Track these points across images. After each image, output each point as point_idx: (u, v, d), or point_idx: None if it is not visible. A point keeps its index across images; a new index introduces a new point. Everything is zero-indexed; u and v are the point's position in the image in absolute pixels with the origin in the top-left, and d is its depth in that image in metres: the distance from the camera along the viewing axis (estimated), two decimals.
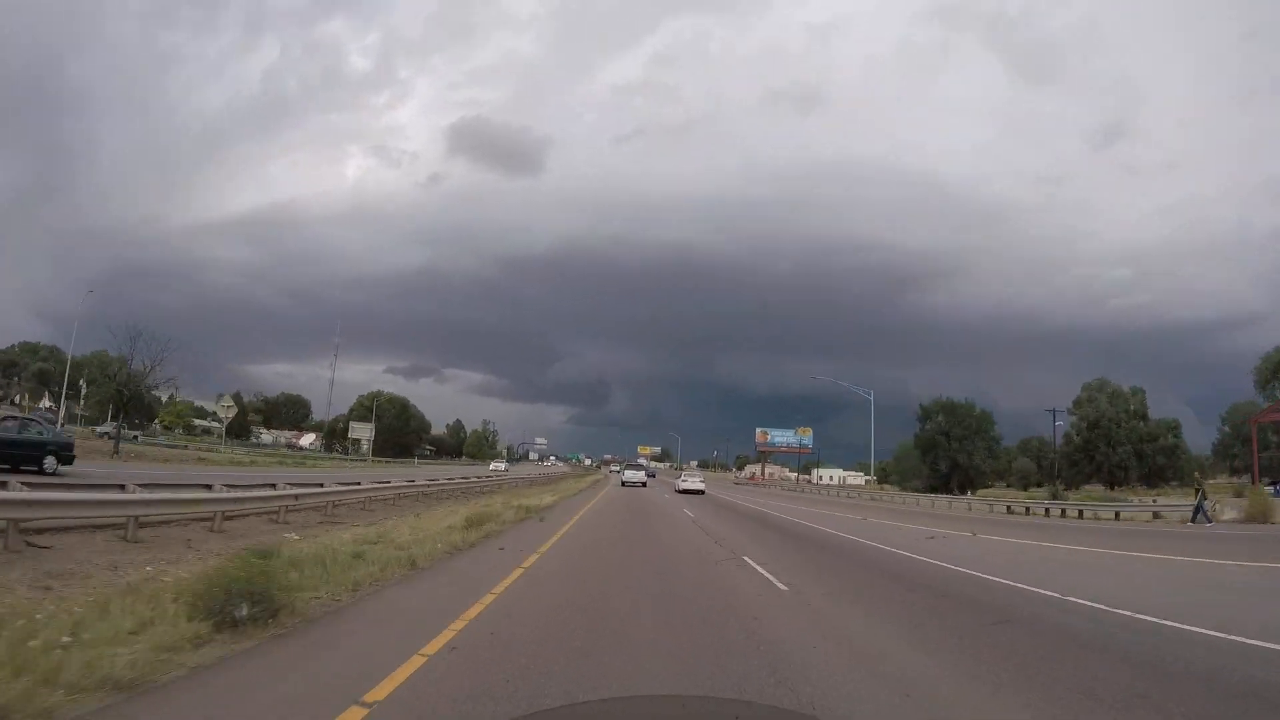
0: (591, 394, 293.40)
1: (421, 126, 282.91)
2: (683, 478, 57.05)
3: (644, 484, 57.48)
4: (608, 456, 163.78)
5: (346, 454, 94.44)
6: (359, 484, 21.54)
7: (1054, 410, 64.50)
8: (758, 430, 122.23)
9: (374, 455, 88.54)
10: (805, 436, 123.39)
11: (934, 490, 75.02)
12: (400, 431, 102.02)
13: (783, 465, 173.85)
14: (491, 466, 76.76)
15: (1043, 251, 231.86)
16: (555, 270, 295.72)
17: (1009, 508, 38.91)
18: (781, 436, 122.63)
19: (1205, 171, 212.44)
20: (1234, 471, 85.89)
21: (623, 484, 56.28)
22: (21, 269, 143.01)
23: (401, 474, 38.91)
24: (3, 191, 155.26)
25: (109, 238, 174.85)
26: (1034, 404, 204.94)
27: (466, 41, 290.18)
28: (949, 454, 75.27)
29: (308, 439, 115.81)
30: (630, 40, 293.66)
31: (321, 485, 18.32)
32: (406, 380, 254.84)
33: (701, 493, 47.10)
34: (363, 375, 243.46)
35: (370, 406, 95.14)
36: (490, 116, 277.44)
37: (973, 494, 58.65)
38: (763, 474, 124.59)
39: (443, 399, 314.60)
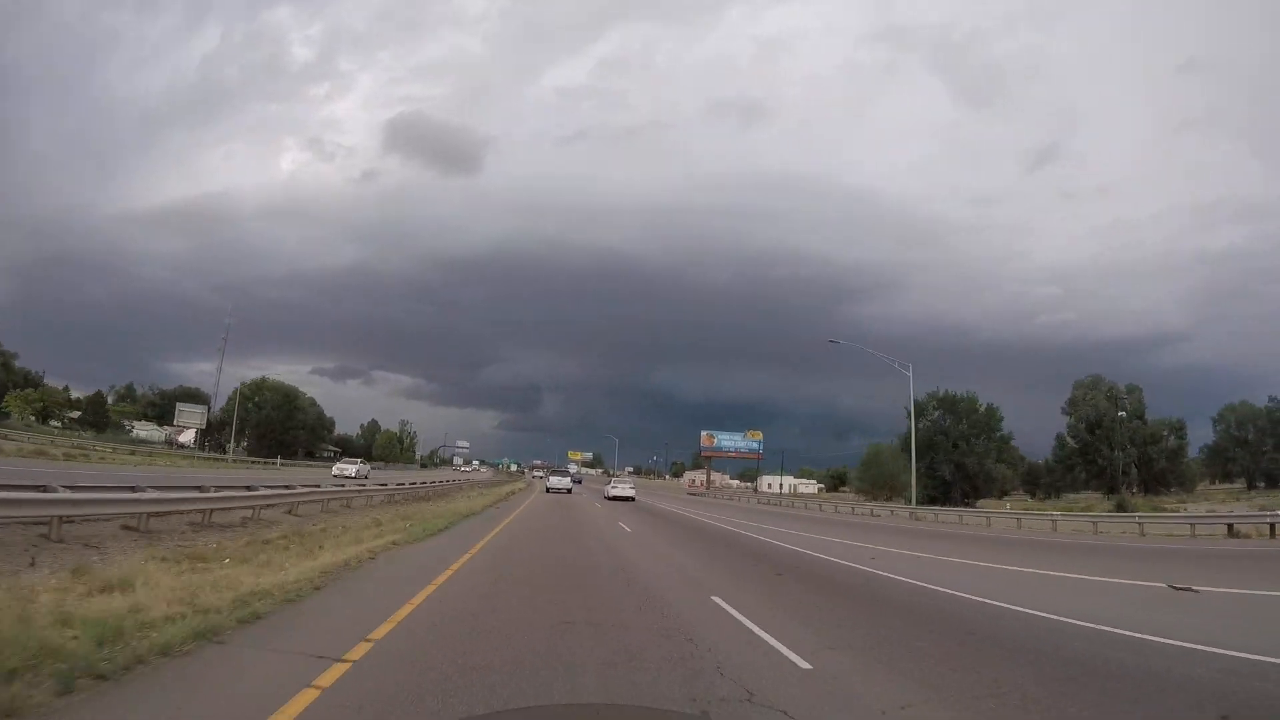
0: (523, 399, 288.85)
1: (360, 121, 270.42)
2: (612, 484, 53.91)
3: (569, 490, 55.78)
4: (537, 462, 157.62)
5: (225, 452, 78.77)
6: None
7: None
8: (703, 434, 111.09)
9: (251, 454, 73.88)
10: (755, 440, 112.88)
11: (932, 501, 64.85)
12: (284, 426, 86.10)
13: (721, 472, 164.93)
14: (336, 470, 55.20)
15: (976, 269, 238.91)
16: (489, 272, 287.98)
17: (1094, 526, 27.96)
18: (729, 440, 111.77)
19: (1137, 196, 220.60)
20: (1227, 476, 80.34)
21: (548, 490, 54.63)
22: None
23: (208, 478, 25.45)
24: None
25: (33, 225, 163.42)
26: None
27: (412, 36, 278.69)
28: (951, 457, 64.69)
29: (188, 435, 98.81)
30: (579, 45, 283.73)
31: None
32: (333, 382, 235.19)
33: (631, 499, 45.45)
34: (289, 376, 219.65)
35: (250, 396, 79.77)
36: (429, 113, 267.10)
37: (1004, 505, 47.74)
38: (707, 481, 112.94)
39: (370, 402, 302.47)
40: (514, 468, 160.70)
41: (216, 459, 64.87)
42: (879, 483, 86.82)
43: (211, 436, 79.10)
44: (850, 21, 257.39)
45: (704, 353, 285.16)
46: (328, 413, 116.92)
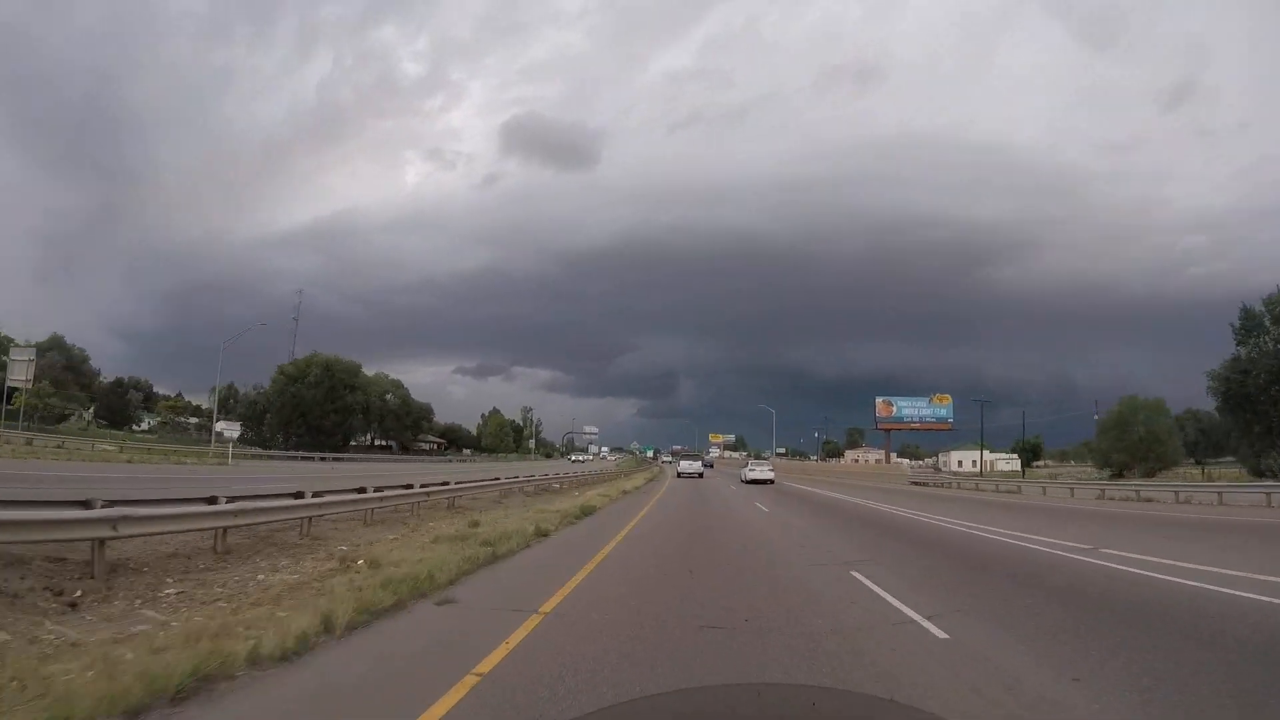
0: (659, 386, 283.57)
1: (476, 128, 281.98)
2: (750, 466, 51.15)
3: (700, 474, 56.05)
4: (677, 448, 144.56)
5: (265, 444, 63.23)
6: None
7: None
8: (879, 401, 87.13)
9: (298, 447, 58.29)
10: (943, 407, 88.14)
11: (1259, 474, 39.95)
12: (330, 409, 65.84)
13: (875, 447, 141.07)
14: None
15: (1116, 221, 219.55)
16: (615, 263, 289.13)
17: None
18: (911, 407, 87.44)
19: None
20: None
21: (679, 475, 55.21)
22: (97, 291, 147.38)
23: None
24: (72, 215, 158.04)
25: (177, 256, 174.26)
26: (1115, 382, 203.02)
27: (517, 40, 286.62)
28: None
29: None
30: (680, 27, 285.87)
31: None
32: (475, 380, 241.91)
33: (770, 482, 43.96)
34: (431, 377, 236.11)
35: (297, 377, 64.02)
36: (542, 113, 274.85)
37: None
38: (886, 458, 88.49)
39: (513, 396, 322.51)
40: (649, 454, 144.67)
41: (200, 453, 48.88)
42: (1136, 452, 60.80)
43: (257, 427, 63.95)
44: None
45: (836, 328, 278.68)
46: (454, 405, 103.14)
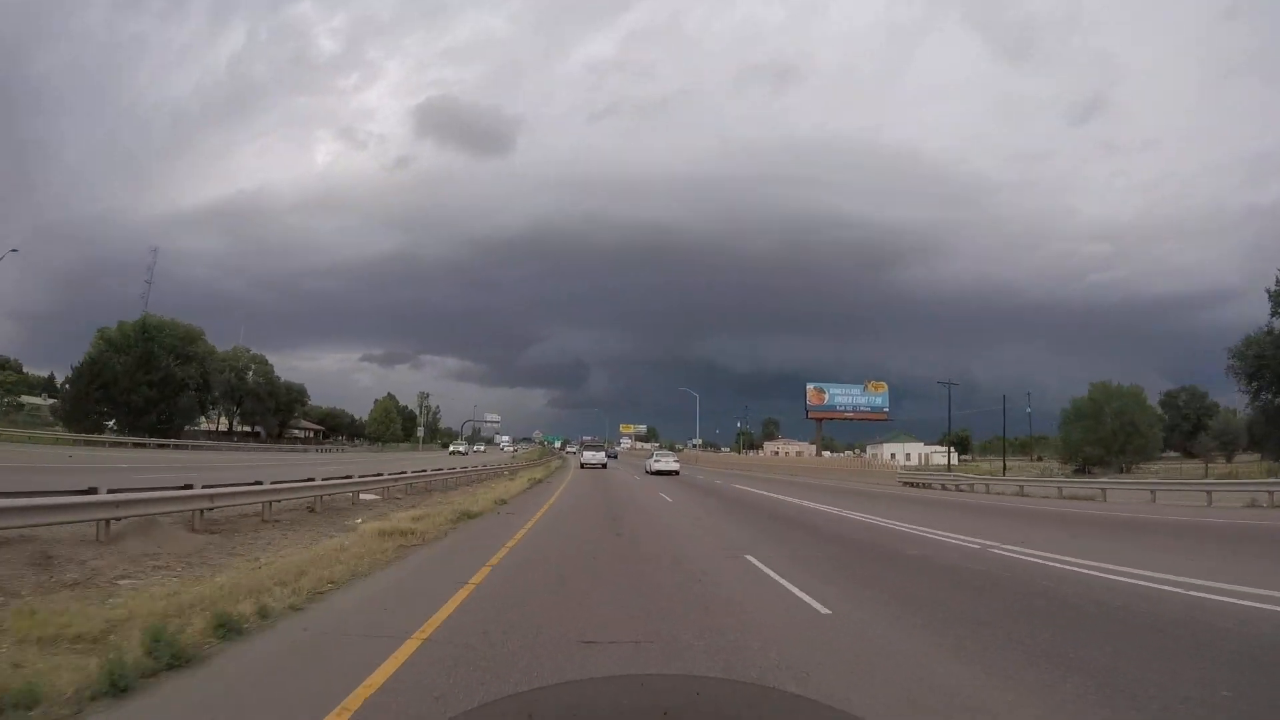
0: (571, 376, 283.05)
1: (390, 109, 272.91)
2: (654, 458, 48.97)
3: (604, 465, 54.35)
4: (586, 438, 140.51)
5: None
6: None
7: None
8: (810, 388, 79.23)
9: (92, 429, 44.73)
10: (878, 395, 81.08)
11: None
12: (142, 380, 50.31)
13: (802, 441, 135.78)
14: None
15: (1023, 228, 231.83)
16: (529, 252, 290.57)
17: None
18: (844, 395, 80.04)
19: (1183, 148, 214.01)
20: None
21: (581, 465, 54.21)
22: None
23: None
24: None
25: (74, 234, 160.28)
26: (1014, 379, 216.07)
27: (438, 21, 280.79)
28: None
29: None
30: (604, 17, 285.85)
31: None
32: (382, 368, 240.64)
33: (676, 474, 42.50)
34: (338, 364, 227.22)
35: (122, 344, 49.64)
36: (459, 96, 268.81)
37: None
38: (817, 449, 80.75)
39: (420, 385, 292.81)
40: (557, 444, 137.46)
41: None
42: (1110, 445, 54.99)
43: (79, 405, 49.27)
44: None
45: (748, 323, 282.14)
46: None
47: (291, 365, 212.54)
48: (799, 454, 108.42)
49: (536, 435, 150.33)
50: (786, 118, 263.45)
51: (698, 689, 1.85)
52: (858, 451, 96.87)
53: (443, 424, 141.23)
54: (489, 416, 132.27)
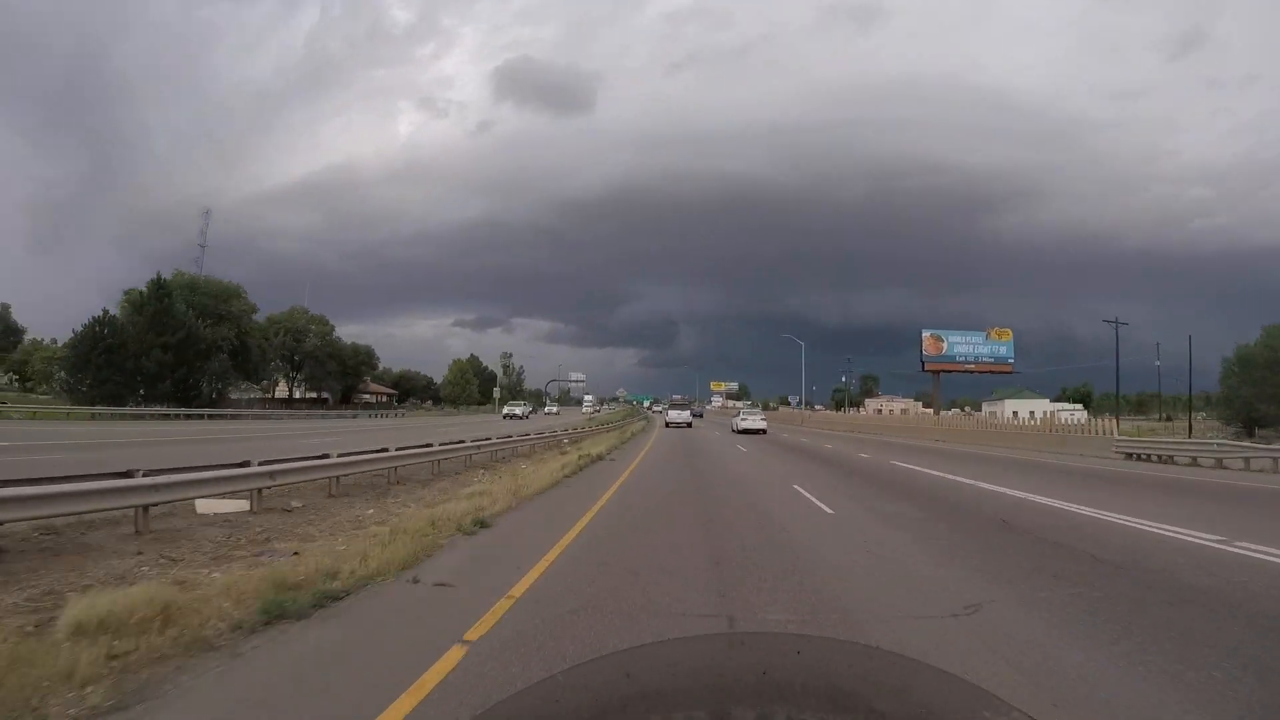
0: (660, 335, 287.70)
1: (468, 75, 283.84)
2: (741, 415, 48.72)
3: (689, 424, 54.82)
4: (676, 396, 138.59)
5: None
6: None
7: None
8: (926, 336, 69.23)
9: (107, 400, 40.02)
10: (1002, 344, 70.27)
11: None
12: (155, 344, 44.64)
13: (900, 397, 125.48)
14: None
15: (1120, 170, 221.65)
16: (613, 210, 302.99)
17: None
18: (965, 344, 69.64)
19: None
20: None
21: (667, 424, 53.88)
22: (93, 256, 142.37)
23: None
24: (65, 182, 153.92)
25: (172, 218, 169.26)
26: (1112, 332, 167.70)
27: None
28: None
29: None
30: None
31: None
32: (474, 332, 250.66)
33: (763, 432, 42.66)
34: (431, 330, 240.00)
35: (139, 302, 45.04)
36: (535, 56, 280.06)
37: None
38: (935, 406, 70.75)
39: (514, 348, 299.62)
40: (646, 403, 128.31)
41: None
42: None
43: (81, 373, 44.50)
44: None
45: (839, 275, 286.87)
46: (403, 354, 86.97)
47: (387, 333, 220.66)
48: (904, 411, 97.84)
49: (620, 394, 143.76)
50: (870, 60, 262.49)
51: (798, 647, 1.81)
52: (968, 410, 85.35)
53: (528, 385, 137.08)
54: (574, 376, 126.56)
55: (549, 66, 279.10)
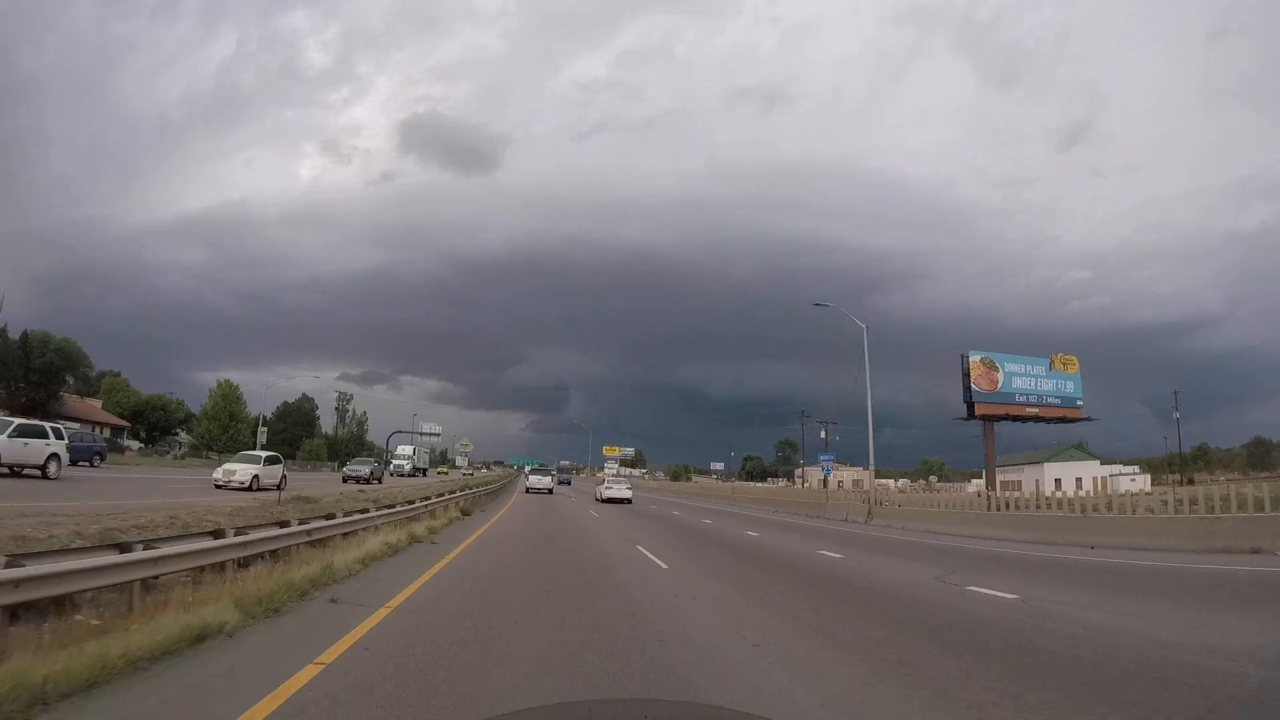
0: (551, 399, 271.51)
1: (378, 124, 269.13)
2: (606, 483, 45.89)
3: (550, 490, 52.63)
4: (565, 463, 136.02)
5: None
6: None
7: None
8: (973, 360, 43.97)
9: None
10: (1069, 377, 46.17)
11: None
12: None
13: (882, 477, 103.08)
14: None
15: (1005, 254, 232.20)
16: (511, 272, 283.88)
17: None
18: (1024, 375, 44.82)
19: (1167, 174, 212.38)
20: None
21: (527, 490, 51.61)
22: None
23: None
24: None
25: (55, 238, 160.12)
26: None
27: (430, 36, 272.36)
28: None
29: None
30: (598, 38, 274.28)
31: None
32: (361, 388, 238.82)
33: (628, 501, 39.81)
34: (313, 382, 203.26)
35: None
36: (445, 112, 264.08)
37: None
38: (990, 480, 44.47)
39: (400, 406, 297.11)
40: (527, 468, 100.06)
41: None
42: None
43: None
44: (873, 3, 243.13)
45: (731, 347, 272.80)
46: None
47: (267, 382, 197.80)
48: (855, 483, 73.87)
49: (459, 455, 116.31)
50: (775, 141, 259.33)
51: (646, 712, 1.78)
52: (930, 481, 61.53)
53: (370, 437, 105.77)
54: (427, 427, 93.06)
55: (458, 124, 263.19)
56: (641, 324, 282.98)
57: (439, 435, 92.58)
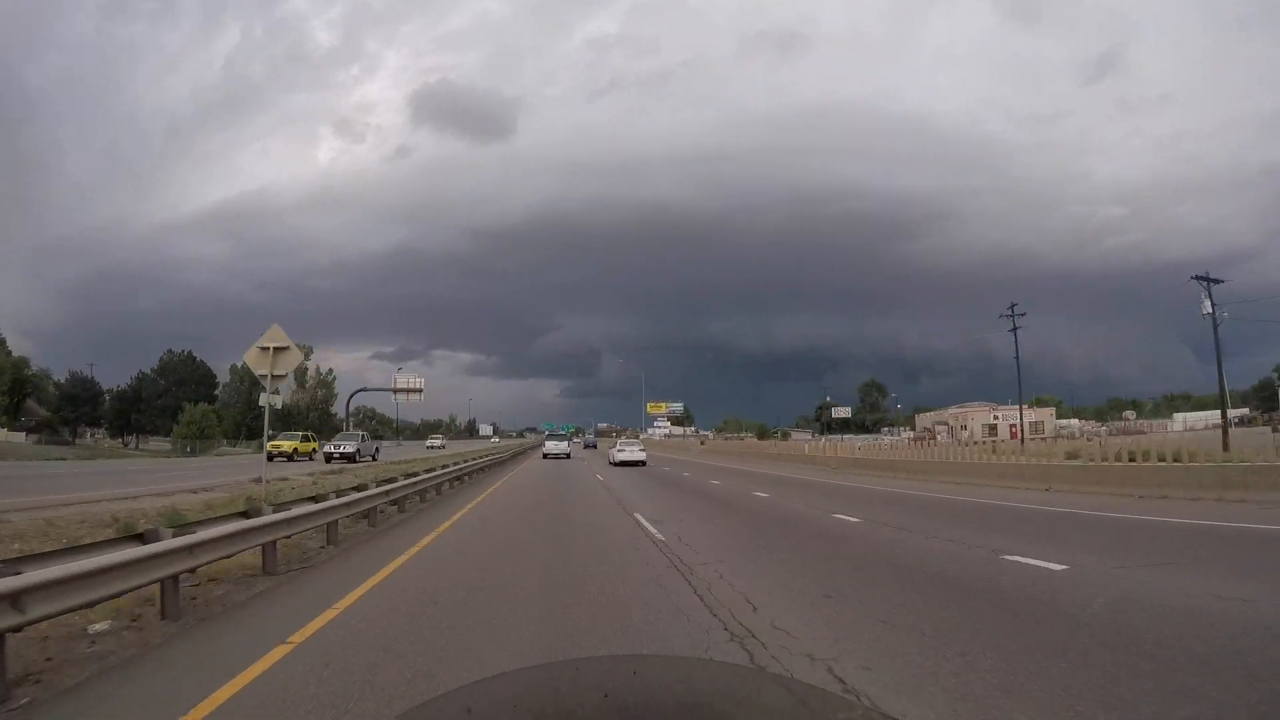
0: (583, 364, 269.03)
1: (390, 99, 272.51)
2: (617, 446, 44.13)
3: (567, 455, 49.44)
4: (603, 425, 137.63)
5: None
6: None
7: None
8: None
9: None
10: None
11: None
12: None
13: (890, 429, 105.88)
14: None
15: (1036, 192, 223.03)
16: (533, 239, 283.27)
17: None
18: None
19: (1200, 105, 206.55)
20: None
21: (544, 456, 49.36)
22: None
23: None
24: None
25: (81, 244, 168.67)
26: (1037, 350, 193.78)
27: (436, 6, 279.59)
28: None
29: None
30: None
31: None
32: (394, 365, 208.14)
33: (643, 464, 37.20)
34: (350, 363, 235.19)
35: None
36: (455, 81, 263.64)
37: None
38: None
39: (435, 381, 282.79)
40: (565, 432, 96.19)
41: None
42: None
43: None
44: None
45: (759, 301, 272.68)
46: None
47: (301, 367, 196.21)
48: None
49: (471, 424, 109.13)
50: (792, 87, 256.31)
51: (634, 667, 1.84)
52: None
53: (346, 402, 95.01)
54: (403, 381, 72.75)
55: (469, 90, 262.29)
56: (668, 283, 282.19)
57: (420, 392, 73.19)
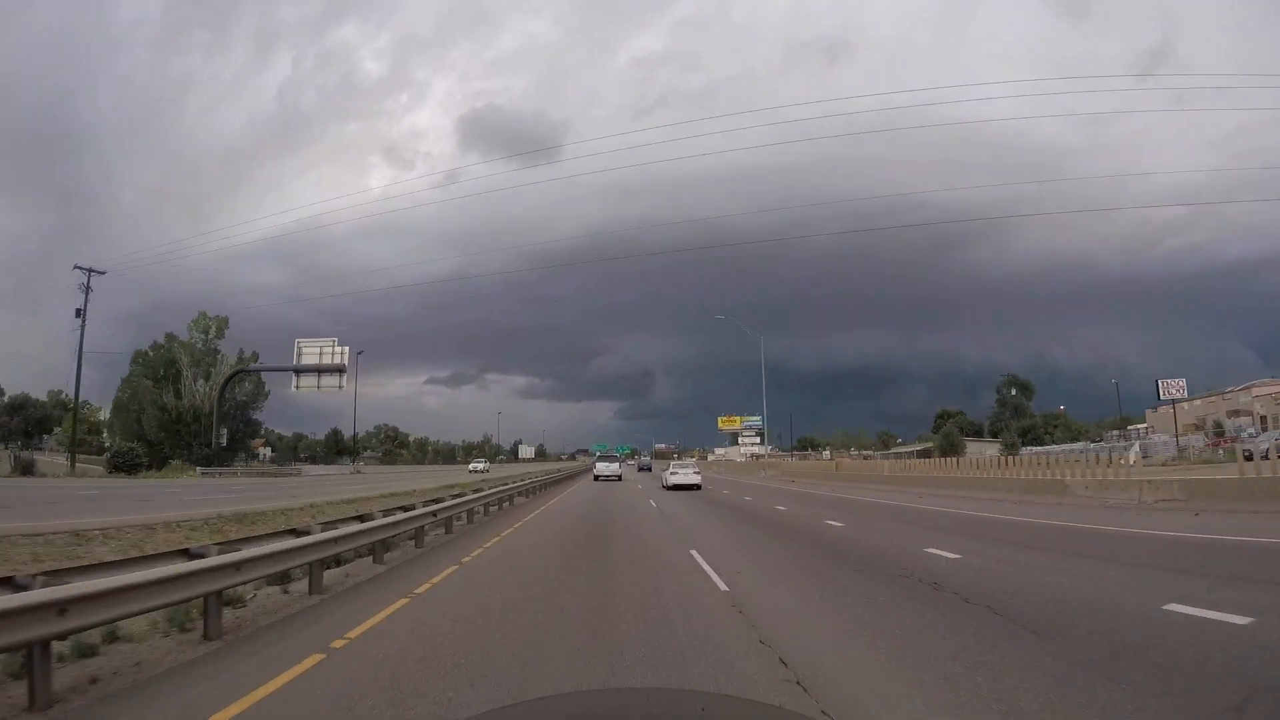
0: (636, 386, 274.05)
1: (440, 125, 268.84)
2: (671, 469, 40.87)
3: (619, 477, 49.58)
4: (660, 446, 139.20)
5: None
6: None
7: None
8: None
9: None
10: None
11: None
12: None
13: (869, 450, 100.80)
14: None
15: (1092, 195, 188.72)
16: (585, 261, 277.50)
17: None
18: None
19: (1257, 95, 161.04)
20: None
21: (595, 478, 49.59)
22: (58, 314, 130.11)
23: None
24: (27, 238, 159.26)
25: (140, 274, 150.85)
26: (1096, 362, 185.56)
27: (482, 32, 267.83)
28: None
29: None
30: (652, 10, 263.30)
31: None
32: (449, 389, 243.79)
33: (698, 487, 35.25)
34: (404, 388, 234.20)
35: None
36: (502, 105, 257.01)
37: None
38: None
39: (489, 405, 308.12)
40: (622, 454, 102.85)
41: None
42: None
43: None
44: None
45: (813, 319, 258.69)
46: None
47: (361, 394, 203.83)
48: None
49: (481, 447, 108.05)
50: (841, 97, 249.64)
51: (702, 704, 1.76)
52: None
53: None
54: (309, 348, 53.57)
55: (517, 114, 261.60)
56: (718, 302, 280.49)
57: (340, 372, 52.10)
